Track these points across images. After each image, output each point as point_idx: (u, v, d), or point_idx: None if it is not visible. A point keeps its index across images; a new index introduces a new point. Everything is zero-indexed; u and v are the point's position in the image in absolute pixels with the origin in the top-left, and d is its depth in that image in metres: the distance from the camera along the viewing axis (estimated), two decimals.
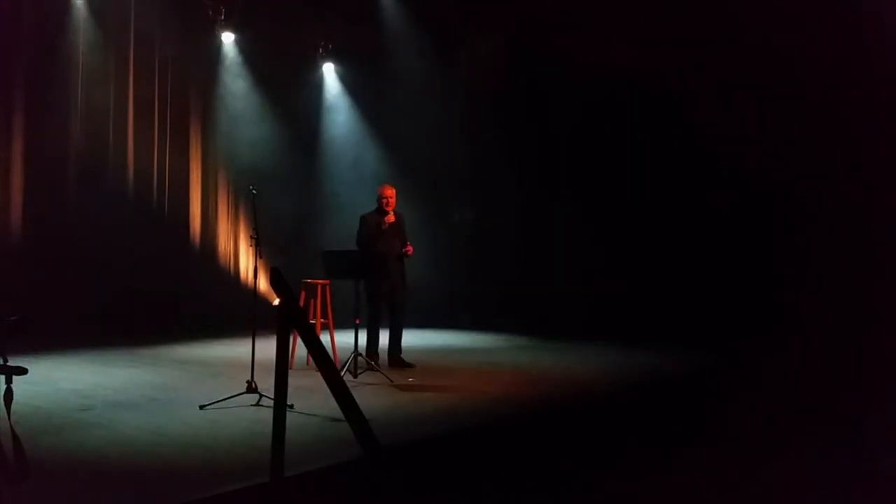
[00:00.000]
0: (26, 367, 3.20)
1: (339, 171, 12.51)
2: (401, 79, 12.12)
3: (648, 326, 9.87)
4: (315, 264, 7.53)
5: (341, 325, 7.81)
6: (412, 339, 8.31)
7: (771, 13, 9.28)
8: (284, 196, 11.20)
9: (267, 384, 4.88)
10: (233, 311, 10.06)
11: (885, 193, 8.96)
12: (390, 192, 7.72)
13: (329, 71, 12.87)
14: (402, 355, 7.75)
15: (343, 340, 7.55)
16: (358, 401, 3.80)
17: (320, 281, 7.54)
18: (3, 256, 8.81)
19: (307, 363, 6.66)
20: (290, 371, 4.25)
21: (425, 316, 10.79)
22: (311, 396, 5.68)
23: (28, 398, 5.30)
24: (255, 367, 5.81)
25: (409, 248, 7.66)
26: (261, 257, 6.07)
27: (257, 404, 5.61)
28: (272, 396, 3.78)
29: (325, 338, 6.51)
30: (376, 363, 7.32)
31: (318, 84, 12.87)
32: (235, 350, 8.17)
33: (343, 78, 12.89)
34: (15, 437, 3.32)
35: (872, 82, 8.86)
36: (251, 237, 6.13)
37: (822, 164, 9.35)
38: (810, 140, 9.50)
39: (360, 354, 7.08)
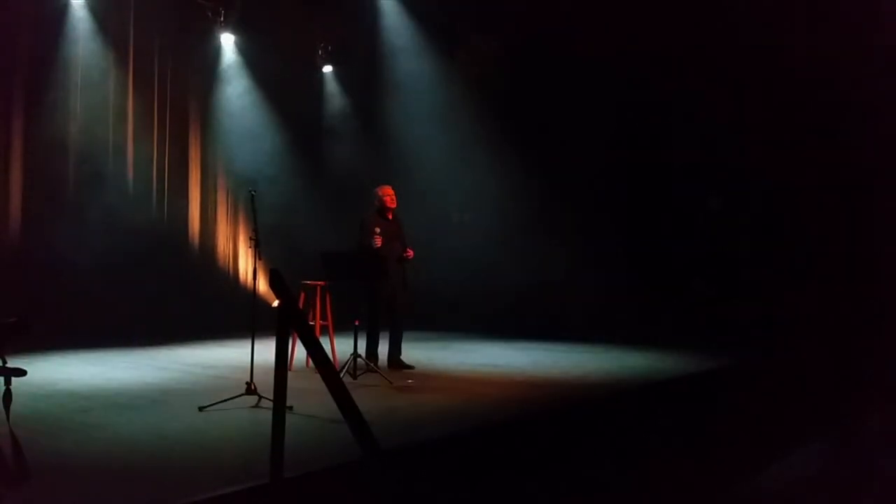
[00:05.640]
0: (25, 368, 3.20)
1: (339, 172, 12.51)
2: (401, 80, 12.12)
3: (648, 328, 9.88)
4: (315, 266, 7.51)
5: (341, 326, 7.81)
6: (411, 340, 8.31)
7: (772, 13, 9.30)
8: (284, 197, 11.20)
9: (266, 385, 4.87)
10: (232, 313, 10.07)
11: (886, 193, 8.97)
12: (389, 192, 7.71)
13: (328, 72, 12.88)
14: (402, 357, 7.74)
15: (342, 342, 7.54)
16: (357, 402, 3.80)
17: (320, 283, 7.54)
18: (3, 258, 8.81)
19: (307, 365, 6.67)
20: (289, 372, 4.25)
21: (425, 317, 10.79)
22: (310, 398, 5.67)
23: (27, 400, 5.30)
24: (255, 368, 5.81)
25: (410, 252, 7.64)
26: (260, 258, 6.07)
27: (257, 406, 5.61)
28: (272, 398, 3.78)
29: (324, 340, 6.52)
30: (376, 365, 7.31)
31: (318, 85, 12.87)
32: (235, 351, 8.17)
33: (342, 79, 12.90)
34: (14, 438, 3.32)
35: (873, 81, 8.88)
36: (251, 238, 6.13)
37: (823, 165, 9.36)
38: (811, 140, 9.51)
39: (360, 356, 7.07)
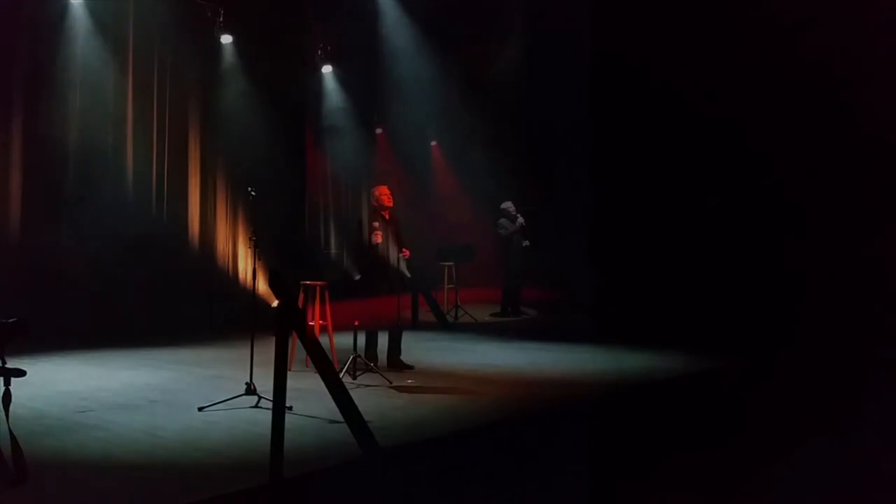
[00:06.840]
0: (25, 369, 3.20)
1: (339, 172, 12.51)
2: (400, 79, 12.12)
3: (647, 328, 9.88)
4: (315, 266, 7.51)
5: (340, 326, 7.80)
6: (411, 340, 8.30)
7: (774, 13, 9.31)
8: (283, 197, 11.19)
9: (266, 386, 4.87)
10: (232, 313, 10.06)
11: (887, 194, 8.97)
12: (386, 192, 7.69)
13: (328, 72, 12.88)
14: (402, 357, 7.74)
15: (342, 342, 7.54)
16: (357, 402, 3.82)
17: (319, 283, 7.53)
18: (2, 258, 8.80)
19: (307, 364, 6.67)
20: (289, 372, 4.25)
21: (424, 318, 10.80)
22: (310, 398, 5.67)
23: (26, 400, 5.30)
24: (255, 368, 5.81)
25: (406, 252, 7.61)
26: (260, 259, 6.07)
27: (256, 406, 5.61)
28: (271, 398, 3.79)
29: (324, 340, 6.52)
30: (375, 365, 7.31)
31: (317, 86, 12.87)
32: (234, 351, 8.16)
33: (342, 79, 12.89)
34: (14, 439, 3.32)
35: (876, 80, 8.88)
36: (250, 239, 6.14)
37: (824, 165, 9.36)
38: (812, 141, 9.51)
39: (359, 356, 7.07)
